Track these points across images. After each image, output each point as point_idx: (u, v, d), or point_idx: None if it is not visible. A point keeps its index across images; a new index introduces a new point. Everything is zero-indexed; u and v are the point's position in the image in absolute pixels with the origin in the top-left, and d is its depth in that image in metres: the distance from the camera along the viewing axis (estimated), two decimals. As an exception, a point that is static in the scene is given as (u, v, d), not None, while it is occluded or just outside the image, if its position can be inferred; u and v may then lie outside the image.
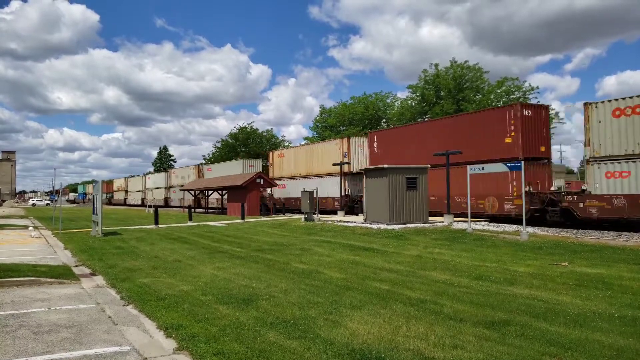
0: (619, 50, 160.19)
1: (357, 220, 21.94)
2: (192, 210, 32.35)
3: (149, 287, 8.80)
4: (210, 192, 44.71)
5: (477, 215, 21.26)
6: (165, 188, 62.35)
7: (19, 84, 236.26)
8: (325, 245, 14.81)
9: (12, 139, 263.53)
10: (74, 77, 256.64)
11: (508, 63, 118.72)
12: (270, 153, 41.68)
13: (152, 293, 8.28)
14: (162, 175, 66.53)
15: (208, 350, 5.25)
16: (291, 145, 64.02)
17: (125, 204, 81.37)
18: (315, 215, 24.14)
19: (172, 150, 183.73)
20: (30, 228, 24.58)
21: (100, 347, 5.52)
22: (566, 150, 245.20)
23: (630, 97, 16.88)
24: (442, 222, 19.21)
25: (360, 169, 29.05)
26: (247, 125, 72.36)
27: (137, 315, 7.00)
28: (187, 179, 54.07)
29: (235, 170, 43.27)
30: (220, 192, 41.55)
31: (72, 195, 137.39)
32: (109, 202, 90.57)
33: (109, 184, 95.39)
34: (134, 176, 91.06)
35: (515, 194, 20.04)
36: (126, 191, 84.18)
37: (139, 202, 74.01)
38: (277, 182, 37.81)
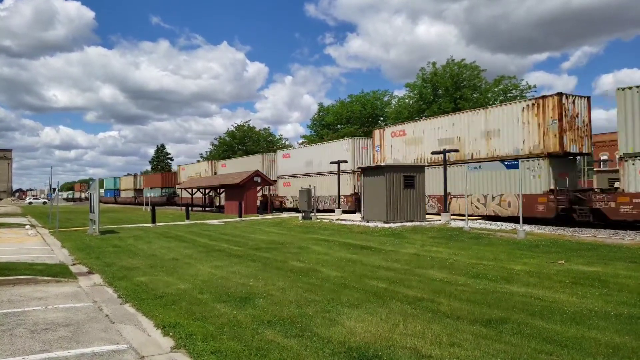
0: (616, 49, 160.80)
1: (355, 218, 21.94)
2: (190, 208, 32.31)
3: (146, 286, 8.80)
4: (207, 191, 44.58)
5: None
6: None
7: (14, 82, 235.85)
8: (323, 244, 14.81)
9: (8, 137, 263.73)
10: (69, 74, 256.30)
11: (505, 61, 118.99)
12: None
13: (150, 291, 8.28)
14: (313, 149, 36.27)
15: (205, 349, 5.25)
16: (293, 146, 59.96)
17: (212, 205, 46.05)
18: (312, 214, 24.14)
19: (169, 148, 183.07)
20: (27, 226, 24.50)
21: (97, 345, 5.51)
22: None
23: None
24: (440, 220, 19.24)
25: (358, 167, 29.03)
26: (244, 124, 72.28)
27: (134, 313, 6.99)
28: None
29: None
30: (217, 190, 41.46)
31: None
32: (169, 200, 53.77)
33: (167, 173, 62.58)
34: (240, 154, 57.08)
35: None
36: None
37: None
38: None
